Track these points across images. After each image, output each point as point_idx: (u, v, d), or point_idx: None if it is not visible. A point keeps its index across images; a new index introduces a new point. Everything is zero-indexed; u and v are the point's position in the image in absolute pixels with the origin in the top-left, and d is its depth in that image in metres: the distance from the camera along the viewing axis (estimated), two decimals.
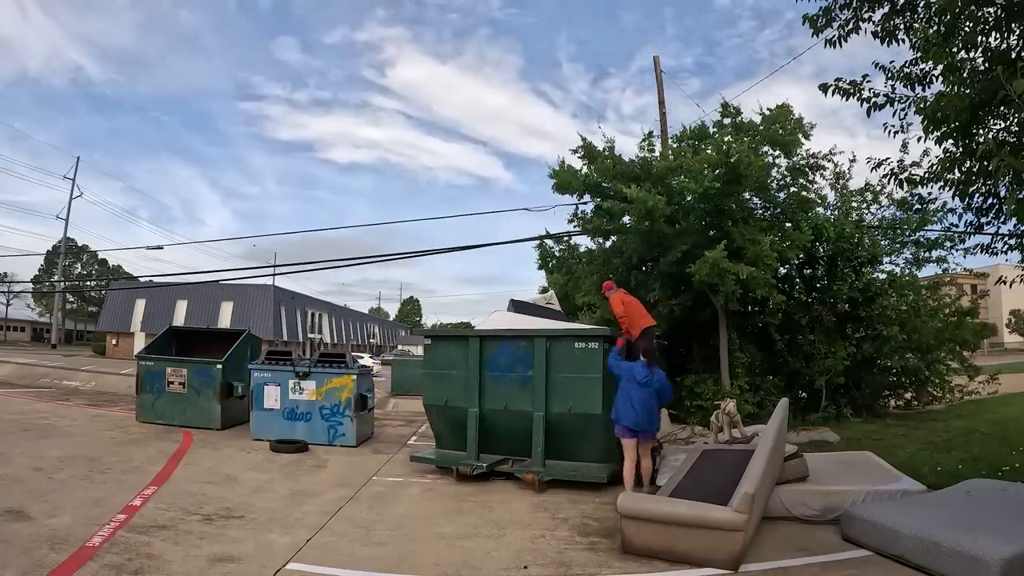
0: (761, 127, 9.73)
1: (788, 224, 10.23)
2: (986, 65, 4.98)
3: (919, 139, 5.71)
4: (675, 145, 11.18)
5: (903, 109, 5.72)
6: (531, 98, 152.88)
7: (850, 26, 5.58)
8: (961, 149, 5.54)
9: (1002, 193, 5.73)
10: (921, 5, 5.36)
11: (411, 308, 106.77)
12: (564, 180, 11.10)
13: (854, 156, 11.95)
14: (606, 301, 7.96)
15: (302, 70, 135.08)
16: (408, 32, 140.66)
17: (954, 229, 8.54)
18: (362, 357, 31.83)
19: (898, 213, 11.61)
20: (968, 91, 5.01)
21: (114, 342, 39.16)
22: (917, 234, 11.23)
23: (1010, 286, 6.72)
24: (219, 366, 9.53)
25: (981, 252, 6.78)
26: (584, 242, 13.40)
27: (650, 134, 11.29)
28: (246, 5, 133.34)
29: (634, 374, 5.65)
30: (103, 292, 54.33)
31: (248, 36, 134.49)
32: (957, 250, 9.62)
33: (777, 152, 10.04)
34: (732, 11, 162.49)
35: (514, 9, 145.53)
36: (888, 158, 6.24)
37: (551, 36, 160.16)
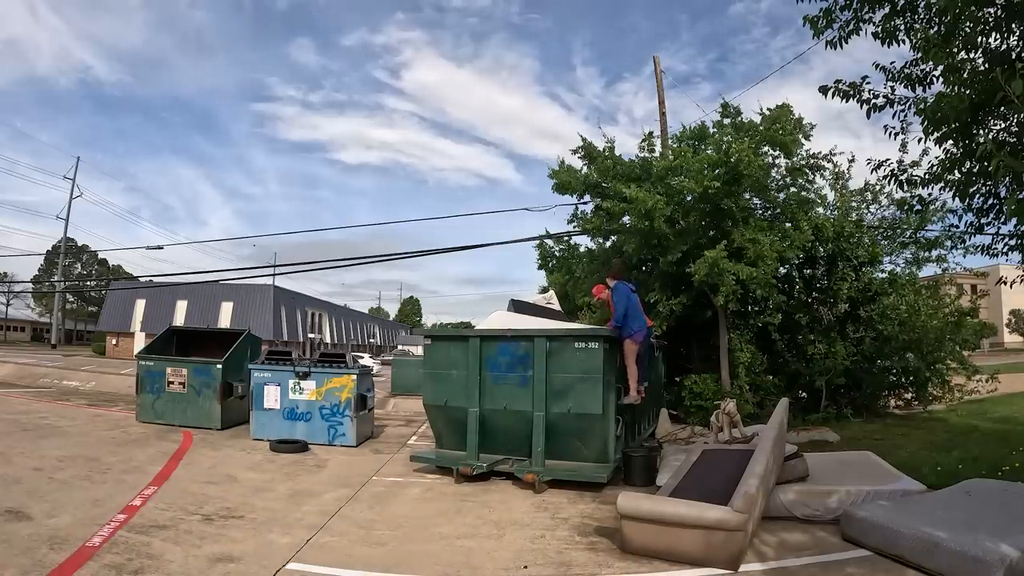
0: (761, 127, 9.73)
1: (788, 224, 10.23)
2: (986, 66, 4.98)
3: (919, 140, 5.71)
4: (675, 145, 11.19)
5: (903, 110, 5.71)
6: (545, 101, 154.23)
7: (851, 27, 5.57)
8: (961, 150, 5.53)
9: (1002, 194, 5.73)
10: (922, 6, 5.35)
11: (411, 308, 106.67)
12: (564, 180, 11.11)
13: (853, 156, 11.93)
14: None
15: (318, 72, 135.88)
16: (426, 35, 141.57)
17: (954, 229, 8.53)
18: (362, 357, 31.83)
19: (898, 213, 11.61)
20: (968, 92, 5.01)
21: (114, 342, 39.18)
22: (917, 234, 11.23)
23: (1010, 286, 6.71)
24: (219, 366, 9.53)
25: (981, 253, 6.78)
26: (584, 242, 13.41)
27: (650, 134, 11.32)
28: (263, 6, 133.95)
29: (631, 287, 6.99)
30: (103, 292, 54.31)
31: (264, 38, 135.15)
32: (957, 250, 9.63)
33: (777, 152, 10.05)
34: (746, 17, 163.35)
35: (534, 14, 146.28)
36: (888, 159, 6.23)
37: (567, 41, 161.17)
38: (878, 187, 11.68)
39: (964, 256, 10.24)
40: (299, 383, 8.72)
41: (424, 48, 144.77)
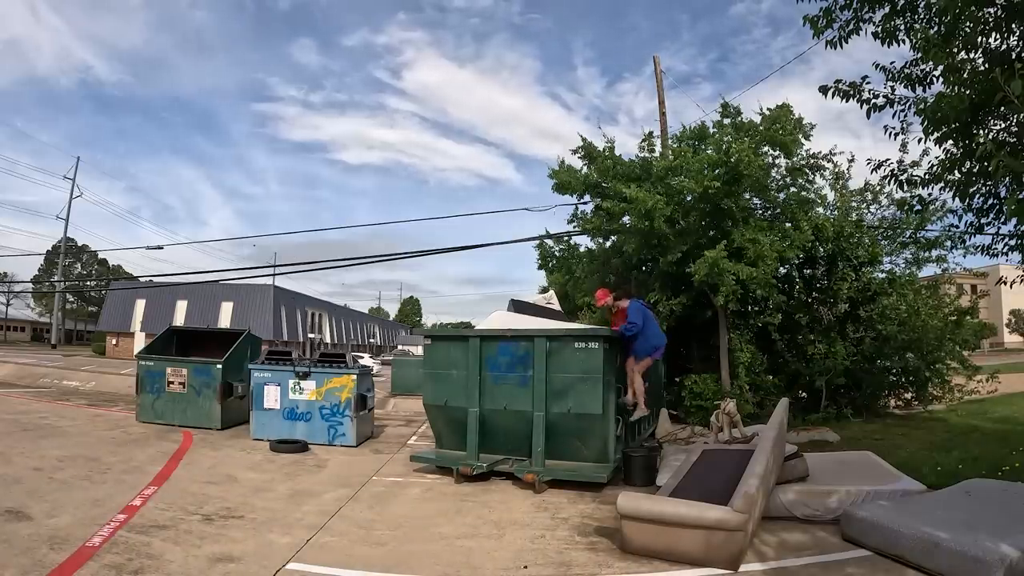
0: (761, 127, 9.74)
1: (788, 224, 10.24)
2: (986, 66, 4.98)
3: (919, 140, 5.71)
4: (675, 145, 11.20)
5: (903, 110, 5.71)
6: (545, 101, 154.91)
7: (851, 27, 5.57)
8: (961, 150, 5.53)
9: (1002, 194, 5.72)
10: (922, 6, 5.34)
11: (411, 308, 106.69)
12: (563, 180, 11.13)
13: (852, 156, 11.94)
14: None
15: (319, 72, 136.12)
16: (427, 35, 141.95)
17: (954, 229, 8.53)
18: (362, 357, 31.83)
19: (898, 213, 11.61)
20: (968, 92, 5.01)
21: (114, 342, 39.20)
22: (917, 234, 11.24)
23: (1010, 286, 6.71)
24: (219, 366, 9.52)
25: (981, 253, 6.77)
26: (584, 242, 13.42)
27: (650, 134, 11.33)
28: (264, 6, 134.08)
29: (642, 303, 7.24)
30: (103, 292, 54.32)
31: (265, 38, 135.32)
32: (957, 250, 9.64)
33: (777, 152, 10.05)
34: (746, 18, 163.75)
35: (535, 14, 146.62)
36: (888, 159, 6.23)
37: (567, 41, 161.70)
38: (878, 187, 11.69)
39: (964, 256, 10.26)
40: (299, 383, 8.72)
41: (426, 48, 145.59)
